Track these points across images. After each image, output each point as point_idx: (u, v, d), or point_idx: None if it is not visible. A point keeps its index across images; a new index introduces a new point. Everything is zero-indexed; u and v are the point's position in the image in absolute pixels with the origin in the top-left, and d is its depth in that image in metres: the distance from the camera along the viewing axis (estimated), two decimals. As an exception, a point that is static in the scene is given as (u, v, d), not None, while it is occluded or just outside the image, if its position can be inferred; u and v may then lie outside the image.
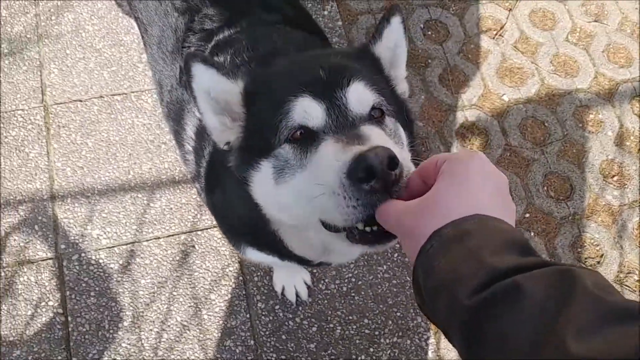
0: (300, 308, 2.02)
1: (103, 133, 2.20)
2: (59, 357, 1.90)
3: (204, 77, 1.01)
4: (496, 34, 2.55)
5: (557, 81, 2.48)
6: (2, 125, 2.18)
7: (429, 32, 2.53)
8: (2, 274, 1.98)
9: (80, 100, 2.23)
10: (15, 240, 2.02)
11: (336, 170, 0.84)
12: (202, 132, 1.36)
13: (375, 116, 0.99)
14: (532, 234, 2.21)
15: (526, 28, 2.58)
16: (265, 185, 1.01)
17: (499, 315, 0.56)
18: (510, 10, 2.60)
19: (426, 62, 2.47)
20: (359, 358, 1.99)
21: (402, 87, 1.17)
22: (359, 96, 0.97)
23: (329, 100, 0.95)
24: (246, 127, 1.05)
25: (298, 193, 0.95)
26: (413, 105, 2.37)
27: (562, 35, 2.58)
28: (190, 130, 1.42)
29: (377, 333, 1.99)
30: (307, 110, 0.94)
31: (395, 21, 1.10)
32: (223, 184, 1.26)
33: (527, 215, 2.24)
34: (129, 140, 2.20)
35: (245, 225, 1.26)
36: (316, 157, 0.92)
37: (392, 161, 0.79)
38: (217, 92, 1.03)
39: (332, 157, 0.87)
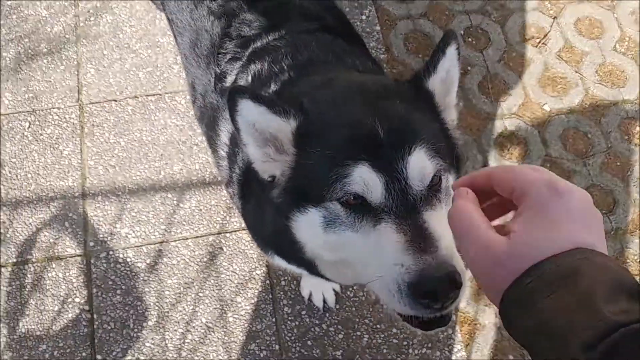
0: (327, 314, 1.97)
1: (136, 133, 2.20)
2: (84, 354, 1.89)
3: (251, 112, 0.97)
4: (539, 42, 2.47)
5: (603, 91, 2.38)
6: (38, 122, 2.20)
7: (470, 39, 2.47)
8: (32, 268, 1.98)
9: (115, 100, 2.25)
10: (45, 236, 2.03)
11: (396, 273, 0.84)
12: (236, 139, 1.33)
13: (434, 183, 0.95)
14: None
15: (571, 36, 2.49)
16: (311, 229, 0.99)
17: None
18: (555, 18, 2.53)
19: (466, 69, 2.41)
20: (387, 369, 1.92)
21: (452, 115, 1.12)
22: (420, 170, 0.92)
23: (389, 173, 0.90)
24: (295, 168, 1.00)
25: (348, 249, 0.95)
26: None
27: (610, 44, 2.49)
28: (224, 137, 1.38)
29: (405, 343, 1.92)
30: (367, 183, 0.91)
31: (451, 51, 1.02)
32: (258, 198, 1.22)
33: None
34: (161, 141, 2.19)
35: (278, 244, 1.23)
36: (374, 237, 0.91)
37: (457, 281, 0.78)
38: (264, 126, 1.00)
39: (393, 252, 0.86)
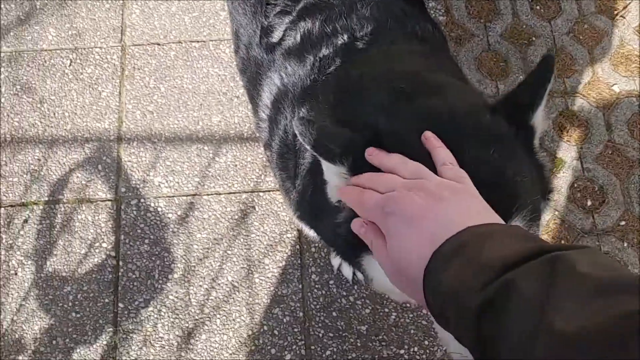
0: (355, 287, 1.89)
1: (177, 79, 2.13)
2: (106, 300, 1.87)
3: (331, 169, 0.85)
4: (617, 15, 2.27)
5: (680, 76, 2.18)
6: (79, 61, 2.15)
7: (537, 7, 2.29)
8: (62, 209, 1.96)
9: (158, 44, 2.17)
10: (77, 177, 1.99)
11: None
12: (279, 101, 1.22)
13: None
14: (626, 244, 1.97)
15: (651, 12, 2.28)
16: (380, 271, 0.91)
17: (495, 316, 0.54)
18: (637, -11, 2.31)
19: (530, 40, 2.23)
20: (412, 349, 1.84)
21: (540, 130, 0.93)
22: None
23: None
24: None
25: None
26: (509, 85, 2.15)
27: (693, 24, 2.27)
28: (266, 98, 1.28)
29: (434, 327, 1.83)
30: None
31: (550, 77, 0.85)
32: (307, 186, 1.12)
33: (623, 222, 1.99)
34: (201, 90, 2.12)
35: (330, 239, 1.13)
36: None
37: None
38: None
39: None
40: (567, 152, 2.09)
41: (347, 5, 1.18)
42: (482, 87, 2.15)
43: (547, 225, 2.00)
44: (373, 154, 0.78)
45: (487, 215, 0.67)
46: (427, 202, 0.66)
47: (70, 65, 2.14)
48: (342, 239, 0.89)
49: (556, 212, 2.02)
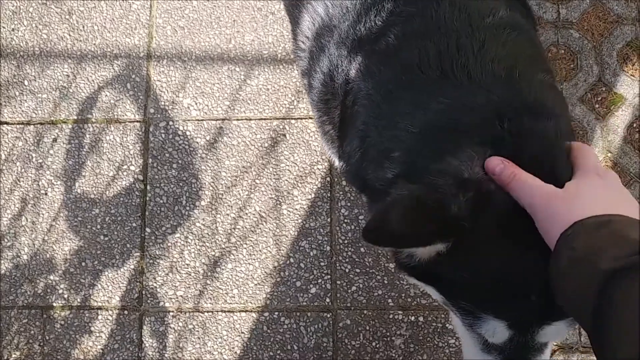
0: (386, 224, 1.82)
1: (209, -8, 1.99)
2: (134, 224, 1.86)
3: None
4: None
5: None
6: (108, -32, 2.03)
7: None
8: (91, 129, 1.92)
9: (191, -48, 2.02)
10: (106, 96, 1.94)
11: None
12: (322, 36, 1.08)
13: None
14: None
15: None
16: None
17: (629, 284, 0.54)
18: None
19: (602, -44, 1.97)
20: (441, 290, 1.79)
21: None
22: (554, 336, 0.80)
23: (521, 331, 0.78)
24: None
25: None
26: (572, 9, 1.93)
27: None
28: (307, 28, 1.14)
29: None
30: (494, 332, 0.79)
31: None
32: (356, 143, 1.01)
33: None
34: (235, 4, 1.98)
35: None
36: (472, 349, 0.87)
37: None
38: None
39: None
40: (630, 87, 1.89)
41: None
42: (541, 10, 1.93)
43: (599, 167, 1.85)
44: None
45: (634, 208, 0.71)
46: (605, 187, 0.73)
47: (98, -27, 2.02)
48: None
49: (609, 154, 1.86)
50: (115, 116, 1.92)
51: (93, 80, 1.95)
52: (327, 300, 1.80)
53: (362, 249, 1.82)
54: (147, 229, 1.86)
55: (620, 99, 1.89)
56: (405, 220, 0.73)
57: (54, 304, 1.84)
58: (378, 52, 0.92)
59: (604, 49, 1.91)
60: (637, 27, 1.92)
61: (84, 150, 1.91)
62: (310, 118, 1.88)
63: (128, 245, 1.85)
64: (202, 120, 1.91)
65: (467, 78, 0.82)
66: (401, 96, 0.88)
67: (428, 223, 0.73)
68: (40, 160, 1.91)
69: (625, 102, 1.89)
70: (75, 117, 1.93)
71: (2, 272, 1.87)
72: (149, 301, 1.82)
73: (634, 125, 1.88)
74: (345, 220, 1.83)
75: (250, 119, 1.91)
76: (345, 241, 1.83)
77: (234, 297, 1.81)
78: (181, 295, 1.82)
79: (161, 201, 1.87)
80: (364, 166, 0.95)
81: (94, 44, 1.98)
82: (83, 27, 1.99)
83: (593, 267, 0.59)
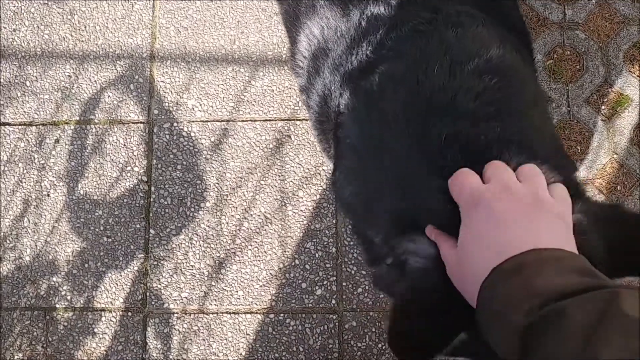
0: (392, 225, 1.82)
1: (213, -8, 1.98)
2: (138, 225, 1.85)
3: None
4: None
5: None
6: (111, -32, 2.01)
7: None
8: (94, 130, 1.91)
9: (195, -49, 2.01)
10: (109, 97, 1.92)
11: None
12: (318, 58, 1.07)
13: None
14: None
15: None
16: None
17: (543, 338, 0.54)
18: None
19: (607, -43, 1.97)
20: (447, 292, 1.78)
21: None
22: None
23: None
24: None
25: None
26: (578, 10, 1.93)
27: None
28: (304, 48, 1.11)
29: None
30: None
31: None
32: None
33: (690, 169, 1.83)
34: (239, 5, 1.97)
35: None
36: None
37: None
38: None
39: None
40: (636, 89, 1.89)
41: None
42: (547, 11, 1.93)
43: (604, 168, 1.85)
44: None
45: (562, 239, 0.65)
46: (517, 211, 0.65)
47: (101, -27, 2.01)
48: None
49: (615, 155, 1.86)
50: (119, 117, 1.91)
51: (95, 81, 1.93)
52: (333, 301, 1.79)
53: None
54: (152, 231, 1.84)
55: (626, 100, 1.89)
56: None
57: (57, 306, 1.82)
58: (365, 91, 0.90)
59: (610, 50, 1.91)
60: (642, 28, 1.92)
61: (87, 151, 1.89)
62: (316, 119, 1.87)
63: (132, 247, 1.84)
64: (206, 121, 1.90)
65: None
66: (378, 159, 0.86)
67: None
68: (43, 162, 1.89)
69: (631, 103, 1.88)
70: (78, 118, 1.91)
71: (5, 273, 1.85)
72: (153, 303, 1.81)
73: (640, 126, 1.88)
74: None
75: (255, 120, 1.89)
76: (351, 243, 1.82)
77: (239, 298, 1.80)
78: (186, 297, 1.81)
79: (165, 202, 1.85)
80: (352, 210, 0.95)
81: (97, 45, 1.96)
82: (85, 27, 1.98)
83: (507, 323, 0.58)
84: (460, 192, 0.69)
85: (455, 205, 0.71)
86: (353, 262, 1.81)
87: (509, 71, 0.87)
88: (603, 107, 1.89)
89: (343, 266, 1.81)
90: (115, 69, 1.94)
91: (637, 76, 1.89)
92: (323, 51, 1.05)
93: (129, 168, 1.88)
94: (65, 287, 1.83)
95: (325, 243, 1.82)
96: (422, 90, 0.82)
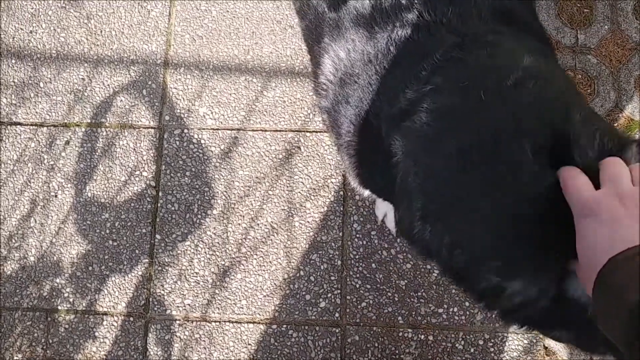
0: (398, 240, 1.81)
1: (229, 3, 1.99)
2: (144, 230, 1.84)
3: None
4: None
5: None
6: (130, -25, 2.03)
7: (634, -54, 2.03)
8: (104, 133, 1.91)
9: (213, -38, 2.03)
10: (121, 101, 1.93)
11: None
12: (345, 84, 1.06)
13: None
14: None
15: None
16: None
17: None
18: None
19: (620, -16, 1.99)
20: (451, 309, 1.77)
21: None
22: None
23: None
24: None
25: None
26: (591, 35, 1.94)
27: None
28: (328, 71, 1.10)
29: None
30: None
31: None
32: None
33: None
34: (254, 16, 1.98)
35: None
36: None
37: None
38: None
39: None
40: (646, 115, 1.90)
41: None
42: (559, 35, 1.94)
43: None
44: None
45: None
46: (626, 218, 0.66)
47: (119, -21, 2.03)
48: None
49: (624, 180, 1.86)
50: (130, 122, 1.91)
51: (109, 85, 1.94)
52: (337, 315, 1.78)
53: (373, 265, 1.80)
54: (157, 236, 1.84)
55: (636, 126, 1.89)
56: None
57: (59, 308, 1.81)
58: (418, 135, 0.88)
59: (622, 75, 1.92)
60: (653, 55, 1.93)
61: (97, 154, 1.90)
62: (325, 132, 1.88)
63: (137, 251, 1.83)
64: (217, 129, 1.90)
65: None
66: (468, 200, 0.82)
67: None
68: (52, 162, 1.90)
69: (640, 128, 1.89)
70: (89, 121, 1.92)
71: (9, 273, 1.84)
72: (155, 309, 1.80)
73: (649, 152, 1.88)
74: (358, 235, 1.82)
75: (266, 130, 1.90)
76: (357, 256, 1.81)
77: (242, 307, 1.79)
78: (189, 304, 1.80)
79: (173, 208, 1.85)
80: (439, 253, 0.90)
81: (111, 49, 1.98)
82: (101, 31, 1.99)
83: (624, 300, 0.60)
84: (577, 200, 0.70)
85: None
86: (358, 275, 1.80)
87: (546, 74, 0.87)
88: (613, 132, 1.89)
89: (348, 279, 1.80)
90: (129, 74, 1.95)
91: (648, 102, 1.90)
92: (350, 77, 1.04)
93: (137, 172, 1.88)
94: (68, 290, 1.82)
95: (331, 255, 1.81)
96: (481, 121, 0.81)
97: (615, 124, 1.90)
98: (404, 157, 0.91)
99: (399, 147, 0.92)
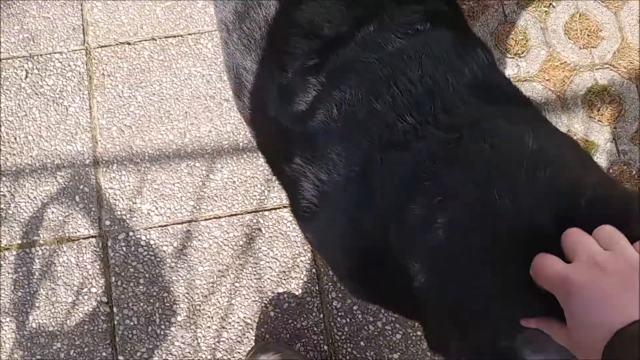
0: (382, 311, 1.70)
1: (155, 85, 1.83)
2: (104, 354, 1.64)
3: None
4: (642, -28, 2.02)
5: None
6: (37, 71, 1.83)
7: (555, -34, 2.02)
8: (40, 252, 1.70)
9: (129, 43, 1.86)
10: (53, 213, 1.72)
11: None
12: (334, 200, 0.98)
13: None
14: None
15: (679, -37, 2.03)
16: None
17: None
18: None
19: (550, 5, 1.97)
20: (450, 373, 1.67)
21: None
22: None
23: None
24: None
25: None
26: (531, 62, 1.91)
27: None
28: (310, 192, 1.03)
29: None
30: None
31: None
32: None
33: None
34: (185, 95, 1.83)
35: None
36: None
37: None
38: None
39: None
40: (600, 133, 1.88)
41: (395, 65, 0.90)
42: (501, 66, 1.90)
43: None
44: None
45: None
46: (615, 286, 0.61)
47: (26, 77, 1.83)
48: None
49: (592, 203, 1.82)
50: (67, 234, 1.71)
51: (35, 197, 1.73)
52: (334, 406, 1.64)
53: (361, 343, 1.68)
54: (120, 357, 1.64)
55: (593, 146, 1.87)
56: None
57: None
58: (434, 252, 0.80)
59: (568, 97, 1.90)
60: (594, 72, 1.92)
61: (35, 277, 1.68)
62: (285, 207, 1.74)
63: (100, 380, 1.63)
64: (165, 225, 1.73)
65: None
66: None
67: None
68: (-16, 298, 1.66)
69: (598, 148, 1.87)
70: (20, 242, 1.70)
71: None
72: None
73: (611, 170, 1.86)
74: (340, 314, 1.69)
75: (220, 217, 1.74)
76: (343, 337, 1.68)
77: (231, 420, 1.62)
78: None
79: (132, 323, 1.66)
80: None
81: (31, 156, 1.77)
82: (15, 139, 1.78)
83: None
84: (548, 282, 0.66)
85: None
86: (348, 357, 1.67)
87: (554, 154, 0.81)
88: (572, 156, 1.86)
89: (337, 363, 1.67)
90: (56, 181, 1.75)
91: (598, 121, 1.88)
92: (337, 199, 0.93)
93: (85, 290, 1.68)
94: None
95: (315, 341, 1.68)
96: (499, 228, 0.74)
97: (572, 148, 1.87)
98: (428, 280, 0.82)
99: (419, 270, 0.82)
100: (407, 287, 0.85)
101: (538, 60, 1.92)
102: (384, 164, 0.87)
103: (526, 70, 1.91)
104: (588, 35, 1.95)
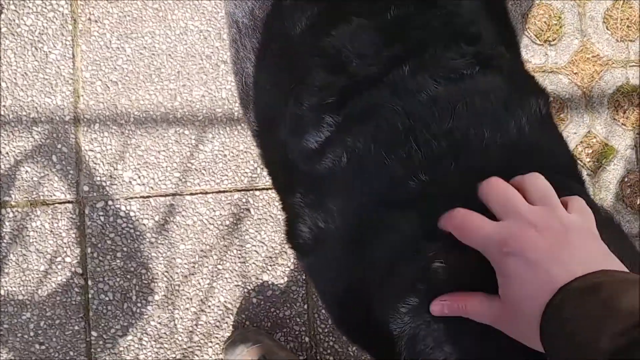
0: (370, 307, 1.63)
1: (147, 37, 1.65)
2: (76, 327, 1.57)
3: None
4: (697, -41, 1.81)
5: None
6: (14, 8, 1.63)
7: (603, -58, 1.80)
8: (11, 214, 1.58)
9: (119, -14, 1.65)
10: (27, 172, 1.59)
11: None
12: (333, 247, 0.87)
13: None
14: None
15: None
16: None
17: None
18: None
19: (589, -11, 1.78)
20: (431, 374, 1.64)
21: None
22: None
23: None
24: None
25: None
26: (561, 51, 1.74)
27: None
28: (306, 232, 0.91)
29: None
30: None
31: None
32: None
33: (676, 225, 1.73)
34: (179, 52, 1.65)
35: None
36: None
37: None
38: None
39: None
40: (621, 138, 1.75)
41: (427, 113, 0.76)
42: (528, 54, 1.73)
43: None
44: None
45: (612, 261, 0.61)
46: (552, 245, 0.60)
47: (0, 13, 1.63)
48: None
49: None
50: (41, 197, 1.59)
51: (7, 154, 1.59)
52: (309, 401, 1.61)
53: (344, 337, 1.62)
54: (93, 333, 1.57)
55: (611, 152, 1.75)
56: None
57: None
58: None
59: (595, 95, 1.75)
60: (626, 70, 1.76)
61: (5, 241, 1.57)
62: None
63: (71, 353, 1.56)
64: (148, 197, 1.61)
65: None
66: None
67: None
68: (-50, 259, 1.56)
69: (617, 154, 1.75)
70: (-10, 201, 1.58)
71: None
72: (101, 419, 1.56)
73: (626, 179, 1.75)
74: (324, 306, 1.62)
75: (207, 193, 1.63)
76: (326, 330, 1.62)
77: (203, 407, 1.59)
78: (140, 410, 1.57)
79: (107, 298, 1.58)
80: None
81: (4, 106, 1.61)
82: (-12, 83, 1.61)
83: (589, 347, 0.54)
84: (478, 244, 0.63)
85: None
86: (329, 351, 1.62)
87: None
88: (588, 160, 1.74)
89: (318, 357, 1.62)
90: (32, 137, 1.60)
91: (622, 124, 1.75)
92: (335, 249, 0.82)
93: (59, 259, 1.58)
94: (-8, 406, 1.55)
95: (297, 332, 1.62)
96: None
97: (590, 150, 1.74)
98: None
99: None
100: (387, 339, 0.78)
101: (569, 50, 1.75)
102: (378, 225, 0.77)
103: (554, 60, 1.74)
104: (628, 26, 1.77)
